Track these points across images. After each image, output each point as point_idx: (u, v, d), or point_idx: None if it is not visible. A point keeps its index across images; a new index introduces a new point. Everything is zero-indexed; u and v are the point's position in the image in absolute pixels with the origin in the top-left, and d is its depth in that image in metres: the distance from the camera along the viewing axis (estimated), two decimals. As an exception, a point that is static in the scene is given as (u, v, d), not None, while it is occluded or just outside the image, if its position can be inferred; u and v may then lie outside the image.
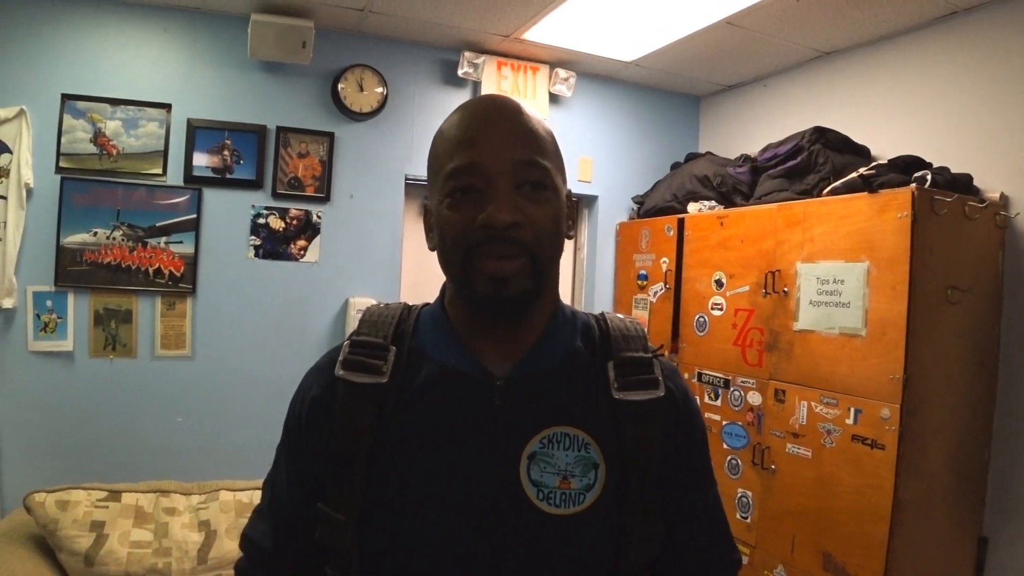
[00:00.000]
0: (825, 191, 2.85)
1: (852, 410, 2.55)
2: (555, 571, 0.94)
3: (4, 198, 3.09)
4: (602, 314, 1.09)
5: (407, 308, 1.07)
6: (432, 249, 1.02)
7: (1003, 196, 2.71)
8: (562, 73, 3.93)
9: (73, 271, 3.22)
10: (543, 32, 3.50)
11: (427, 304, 1.09)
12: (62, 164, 3.21)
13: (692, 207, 3.61)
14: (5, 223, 3.09)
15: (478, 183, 0.92)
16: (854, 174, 2.72)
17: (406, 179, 3.79)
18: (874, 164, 2.73)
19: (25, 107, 3.13)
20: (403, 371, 0.98)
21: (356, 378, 0.96)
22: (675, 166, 4.10)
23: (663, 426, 0.99)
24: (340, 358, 0.99)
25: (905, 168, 2.66)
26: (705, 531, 1.09)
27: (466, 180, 0.93)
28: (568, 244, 1.04)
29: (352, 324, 3.52)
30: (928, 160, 2.75)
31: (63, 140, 3.21)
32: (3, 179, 3.09)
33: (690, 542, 1.06)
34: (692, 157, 4.03)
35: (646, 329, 1.09)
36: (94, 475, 3.05)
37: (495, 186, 0.91)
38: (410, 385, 0.97)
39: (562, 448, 0.95)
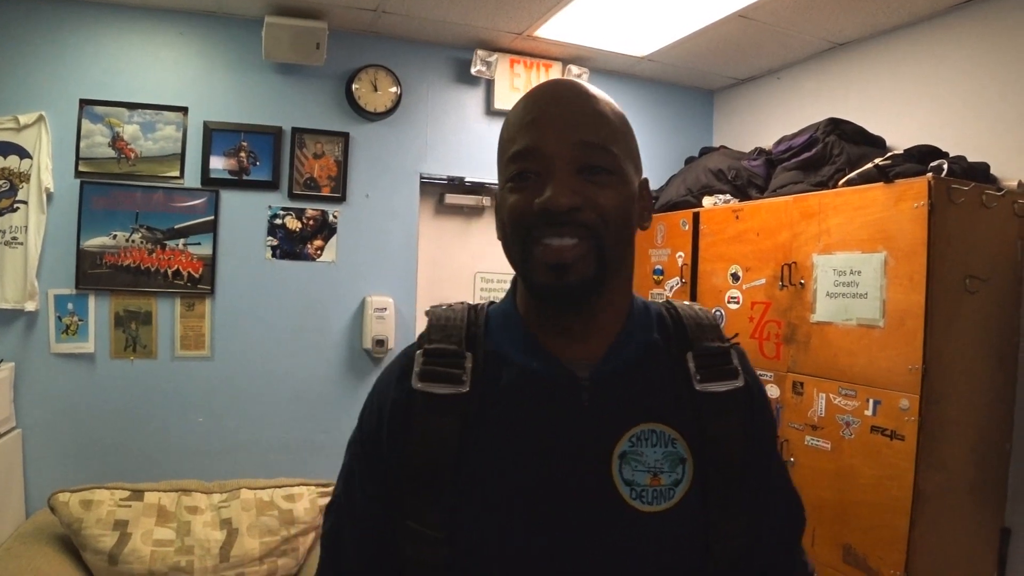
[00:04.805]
0: (841, 182, 2.83)
1: (871, 401, 2.54)
2: (649, 571, 0.90)
3: (25, 203, 3.13)
4: (669, 302, 1.06)
5: (472, 308, 1.02)
6: (499, 238, 0.98)
7: (1021, 184, 2.68)
8: (575, 69, 3.93)
9: (93, 274, 3.26)
10: (555, 29, 3.50)
11: (492, 303, 1.06)
12: (81, 168, 3.26)
13: (707, 201, 3.60)
14: (26, 227, 3.13)
15: (538, 166, 0.89)
16: (869, 164, 2.70)
17: (421, 178, 3.78)
18: (890, 154, 2.71)
19: (44, 113, 3.17)
20: (482, 377, 0.94)
21: (436, 389, 0.92)
22: (689, 160, 4.08)
23: (741, 417, 0.96)
24: (416, 370, 0.94)
25: (921, 158, 2.64)
26: (784, 523, 1.06)
27: (526, 164, 0.90)
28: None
29: (370, 323, 3.56)
30: (944, 149, 2.73)
31: (82, 145, 3.25)
32: (24, 184, 3.14)
33: (769, 533, 1.01)
34: (706, 151, 4.02)
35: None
36: (117, 475, 3.09)
37: (554, 169, 0.88)
38: (492, 392, 0.93)
39: (650, 445, 0.92)
